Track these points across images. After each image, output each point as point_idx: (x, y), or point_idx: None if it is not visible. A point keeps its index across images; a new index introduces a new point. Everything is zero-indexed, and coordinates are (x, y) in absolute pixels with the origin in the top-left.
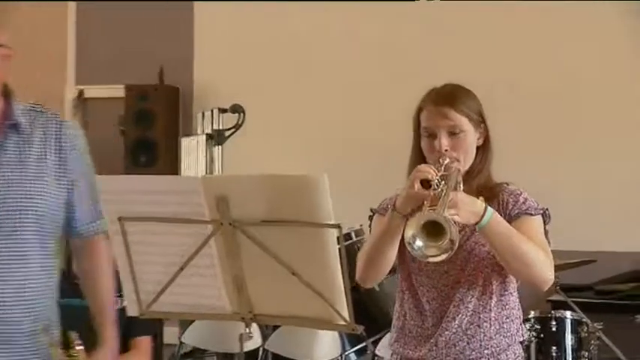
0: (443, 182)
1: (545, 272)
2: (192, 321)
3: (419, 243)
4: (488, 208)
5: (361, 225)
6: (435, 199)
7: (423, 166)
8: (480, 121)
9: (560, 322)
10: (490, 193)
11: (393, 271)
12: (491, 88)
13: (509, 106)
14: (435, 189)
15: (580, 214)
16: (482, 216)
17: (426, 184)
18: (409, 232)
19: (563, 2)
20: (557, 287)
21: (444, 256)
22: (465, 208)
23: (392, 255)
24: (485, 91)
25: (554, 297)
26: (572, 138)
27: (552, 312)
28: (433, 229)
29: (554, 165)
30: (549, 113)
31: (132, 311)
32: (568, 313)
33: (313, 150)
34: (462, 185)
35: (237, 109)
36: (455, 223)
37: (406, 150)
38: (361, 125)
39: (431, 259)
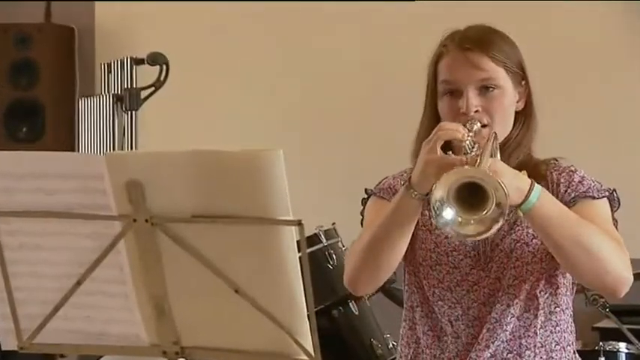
0: (476, 145)
1: (622, 268)
2: (98, 357)
3: (449, 214)
4: (536, 184)
5: (334, 223)
6: None
7: (448, 124)
8: (521, 76)
9: (612, 357)
10: (534, 172)
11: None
12: None
13: None
14: (466, 153)
15: (635, 211)
16: (529, 193)
17: (452, 148)
18: (437, 194)
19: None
20: (607, 310)
21: (491, 231)
22: (507, 179)
23: (401, 249)
24: None
25: (603, 323)
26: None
27: (601, 344)
28: (469, 198)
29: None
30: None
31: (8, 344)
32: (622, 345)
33: (264, 119)
34: (499, 155)
35: (157, 59)
36: (503, 186)
37: (398, 119)
38: (331, 87)
39: (470, 238)
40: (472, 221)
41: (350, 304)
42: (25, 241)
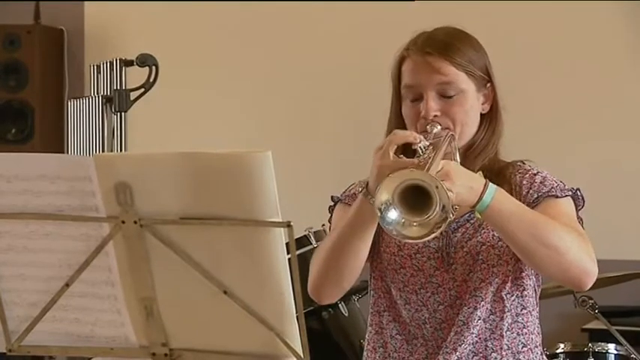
0: (430, 148)
1: (585, 260)
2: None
3: (393, 214)
4: (490, 183)
5: (323, 225)
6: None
7: (400, 131)
8: (485, 80)
9: (601, 358)
10: (498, 176)
11: (368, 288)
12: None
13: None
14: (419, 156)
15: (624, 212)
16: (482, 193)
17: (407, 153)
18: (382, 197)
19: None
20: (596, 311)
21: (433, 235)
22: (459, 180)
23: (361, 255)
24: None
25: (592, 324)
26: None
27: (590, 345)
28: (416, 200)
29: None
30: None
31: None
32: (611, 347)
33: (253, 120)
34: (458, 157)
35: (147, 61)
36: (446, 189)
37: (382, 122)
38: (321, 88)
39: (412, 240)
40: (415, 223)
41: (339, 305)
42: (12, 243)
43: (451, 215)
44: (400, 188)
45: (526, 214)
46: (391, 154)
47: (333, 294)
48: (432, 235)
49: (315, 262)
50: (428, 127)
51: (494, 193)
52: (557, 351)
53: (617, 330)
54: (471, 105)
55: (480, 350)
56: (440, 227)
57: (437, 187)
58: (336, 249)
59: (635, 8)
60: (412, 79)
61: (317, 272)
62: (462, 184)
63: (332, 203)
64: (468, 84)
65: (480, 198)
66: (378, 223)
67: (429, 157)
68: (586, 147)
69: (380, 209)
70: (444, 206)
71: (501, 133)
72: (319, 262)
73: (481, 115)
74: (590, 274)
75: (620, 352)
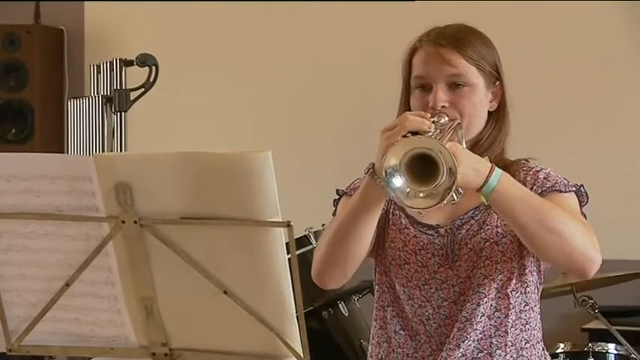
0: (437, 132)
1: (589, 247)
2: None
3: (398, 181)
4: (496, 167)
5: (323, 225)
6: None
7: (412, 114)
8: (494, 76)
9: (601, 358)
10: None
11: (368, 288)
12: None
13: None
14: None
15: (624, 212)
16: (489, 176)
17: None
18: (390, 162)
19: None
20: (596, 311)
21: (444, 201)
22: (466, 162)
23: (365, 240)
24: None
25: (592, 324)
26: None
27: (590, 345)
28: (423, 172)
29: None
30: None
31: None
32: (611, 347)
33: (253, 120)
34: (464, 144)
35: (147, 60)
36: (453, 154)
37: (390, 120)
38: (321, 87)
39: (416, 209)
40: (422, 194)
41: (339, 305)
42: (13, 243)
43: (457, 178)
44: (408, 156)
45: (532, 200)
46: (399, 137)
47: (337, 279)
48: (444, 202)
49: (319, 246)
50: (435, 117)
51: (501, 176)
52: (557, 351)
53: (617, 330)
54: (480, 99)
55: (485, 347)
56: (449, 192)
57: (441, 151)
58: (341, 233)
59: (635, 8)
60: (423, 69)
61: (321, 256)
62: (469, 166)
63: (337, 197)
64: (478, 78)
65: (487, 180)
66: (381, 214)
67: (436, 137)
68: (586, 147)
69: (386, 172)
70: (450, 169)
71: (508, 131)
72: (323, 246)
73: (489, 112)
74: (595, 261)
75: (620, 352)
